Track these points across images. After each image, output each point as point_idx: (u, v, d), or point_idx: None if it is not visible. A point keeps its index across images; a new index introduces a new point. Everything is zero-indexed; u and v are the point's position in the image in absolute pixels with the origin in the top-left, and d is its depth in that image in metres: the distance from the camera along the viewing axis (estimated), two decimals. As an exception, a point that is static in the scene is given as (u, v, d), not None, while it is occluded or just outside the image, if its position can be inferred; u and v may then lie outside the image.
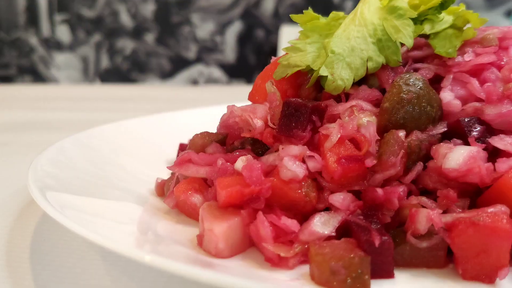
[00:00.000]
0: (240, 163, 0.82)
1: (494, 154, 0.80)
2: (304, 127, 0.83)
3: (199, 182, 0.92)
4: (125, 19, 5.57)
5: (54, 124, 2.01)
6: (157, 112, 1.52)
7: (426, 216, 0.73)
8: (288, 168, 0.78)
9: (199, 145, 0.96)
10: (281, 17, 5.21)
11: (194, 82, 5.50)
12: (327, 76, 0.87)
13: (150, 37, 5.56)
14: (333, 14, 0.96)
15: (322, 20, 0.96)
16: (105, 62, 5.73)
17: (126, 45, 5.62)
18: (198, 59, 5.45)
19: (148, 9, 5.50)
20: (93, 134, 1.21)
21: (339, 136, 0.80)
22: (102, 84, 5.54)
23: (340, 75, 0.87)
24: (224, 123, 0.96)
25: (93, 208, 0.84)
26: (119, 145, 1.24)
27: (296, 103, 0.83)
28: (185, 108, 1.60)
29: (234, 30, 5.35)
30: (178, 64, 5.54)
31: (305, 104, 0.83)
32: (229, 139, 0.97)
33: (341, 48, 0.88)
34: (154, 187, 1.06)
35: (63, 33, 5.67)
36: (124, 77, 5.68)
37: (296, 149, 0.80)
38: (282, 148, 0.81)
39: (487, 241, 0.68)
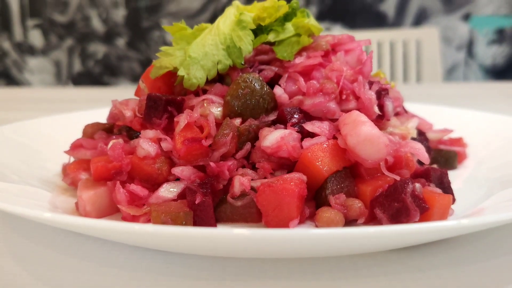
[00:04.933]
0: (110, 145, 1.04)
1: (311, 136, 1.03)
2: (161, 116, 1.04)
3: (87, 163, 1.13)
4: (97, 24, 5.71)
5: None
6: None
7: (239, 181, 0.95)
8: (143, 147, 1.00)
9: (89, 133, 1.17)
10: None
11: (162, 84, 5.64)
12: (183, 75, 1.09)
13: (121, 42, 5.71)
14: (200, 25, 1.19)
15: (189, 30, 1.18)
16: (77, 66, 5.86)
17: (98, 49, 5.76)
18: (168, 63, 5.63)
19: (119, 14, 5.65)
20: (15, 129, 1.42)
21: (186, 122, 1.02)
22: (75, 88, 5.68)
23: (195, 75, 1.09)
24: (110, 114, 1.18)
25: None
26: (43, 140, 1.45)
27: (155, 97, 1.05)
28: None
29: (202, 34, 5.53)
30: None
31: (160, 98, 1.05)
32: (115, 126, 1.18)
33: (196, 53, 1.10)
34: (61, 170, 1.27)
35: (36, 38, 5.80)
36: (96, 81, 5.84)
37: (151, 133, 1.02)
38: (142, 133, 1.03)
39: (279, 199, 0.90)
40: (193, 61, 1.10)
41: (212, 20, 5.69)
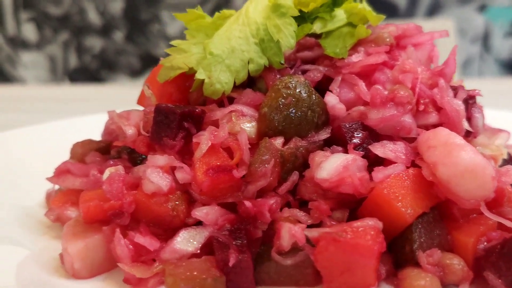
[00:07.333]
0: (107, 174, 0.76)
1: (379, 162, 0.75)
2: (174, 135, 0.76)
3: (77, 194, 0.86)
4: (93, 17, 5.47)
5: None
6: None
7: (289, 231, 0.67)
8: (151, 180, 0.72)
9: (79, 154, 0.89)
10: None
11: (163, 80, 5.42)
12: (203, 79, 0.81)
13: (119, 35, 5.47)
14: (221, 12, 0.91)
15: (209, 19, 0.90)
16: (73, 61, 5.64)
17: (95, 43, 5.52)
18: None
19: (117, 7, 5.41)
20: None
21: (209, 144, 0.74)
22: (71, 84, 5.45)
23: (218, 78, 0.81)
24: (107, 130, 0.90)
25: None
26: (20, 153, 1.17)
27: (166, 109, 0.77)
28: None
29: (204, 27, 5.28)
30: (148, 62, 5.46)
31: (174, 110, 0.77)
32: (112, 147, 0.90)
33: (220, 49, 0.82)
34: (45, 198, 0.99)
35: (30, 32, 5.56)
36: (93, 76, 5.60)
37: (162, 159, 0.74)
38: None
39: (350, 259, 0.63)
40: (216, 60, 0.82)
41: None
